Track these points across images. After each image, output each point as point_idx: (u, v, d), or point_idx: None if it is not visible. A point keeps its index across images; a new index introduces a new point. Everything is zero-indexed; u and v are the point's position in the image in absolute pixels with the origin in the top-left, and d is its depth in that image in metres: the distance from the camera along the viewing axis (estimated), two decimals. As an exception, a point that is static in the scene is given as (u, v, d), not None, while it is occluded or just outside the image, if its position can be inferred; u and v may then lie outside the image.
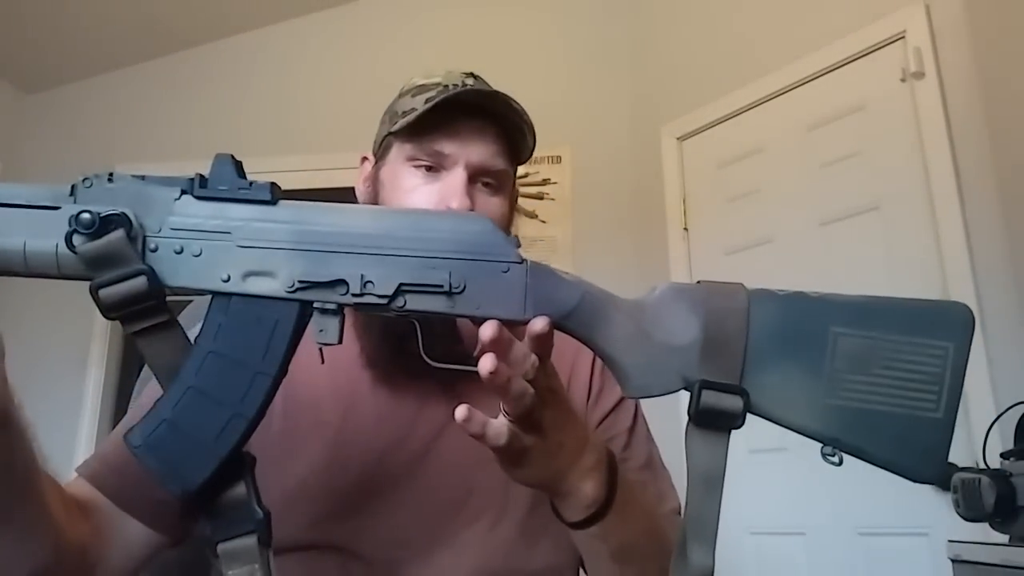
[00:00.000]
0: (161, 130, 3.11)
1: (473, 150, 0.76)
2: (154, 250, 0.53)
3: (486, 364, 0.50)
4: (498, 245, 0.55)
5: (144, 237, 0.53)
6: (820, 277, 2.12)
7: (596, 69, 2.91)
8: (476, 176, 0.76)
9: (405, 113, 0.75)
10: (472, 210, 0.73)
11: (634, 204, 2.72)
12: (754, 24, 2.44)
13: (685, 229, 2.53)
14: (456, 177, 0.74)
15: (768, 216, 2.29)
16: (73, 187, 0.53)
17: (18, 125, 3.17)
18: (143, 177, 0.54)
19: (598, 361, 0.85)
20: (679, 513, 0.81)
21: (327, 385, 0.77)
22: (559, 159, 2.80)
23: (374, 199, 0.79)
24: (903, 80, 2.00)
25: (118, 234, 0.51)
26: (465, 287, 0.53)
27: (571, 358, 0.85)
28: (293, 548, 0.71)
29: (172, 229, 0.53)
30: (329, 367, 0.74)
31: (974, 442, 1.66)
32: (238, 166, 0.55)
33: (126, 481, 0.70)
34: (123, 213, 0.51)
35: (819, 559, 2.00)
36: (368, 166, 0.83)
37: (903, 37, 2.02)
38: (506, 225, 0.80)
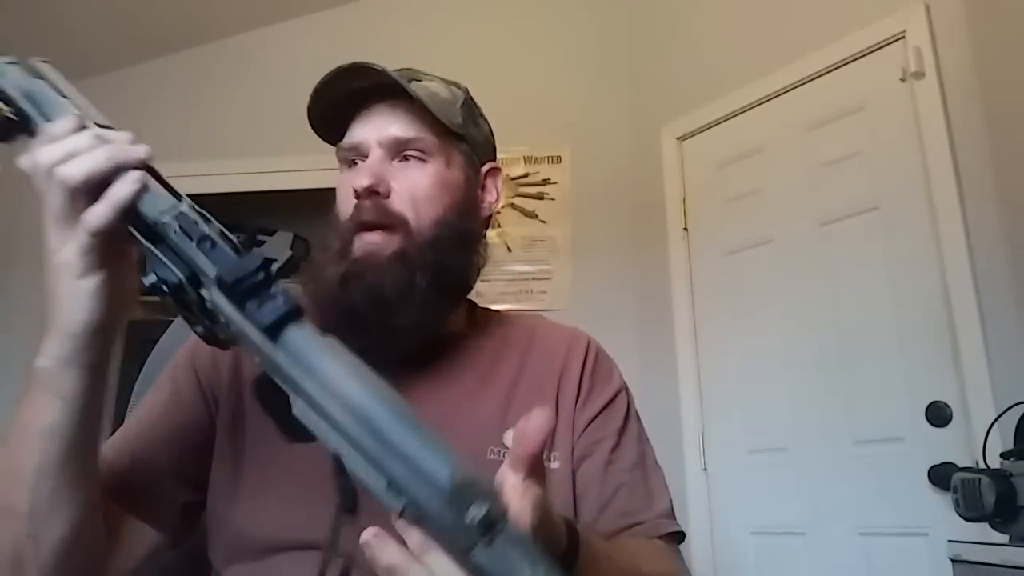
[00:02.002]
0: (161, 130, 3.10)
1: (381, 127, 0.78)
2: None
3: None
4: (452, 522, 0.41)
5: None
6: (820, 277, 2.13)
7: (596, 69, 2.91)
8: (396, 151, 0.78)
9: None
10: (377, 185, 0.75)
11: (634, 204, 2.72)
12: (754, 24, 2.44)
13: (685, 229, 2.53)
14: (370, 158, 0.77)
15: (768, 216, 2.29)
16: None
17: (18, 125, 3.16)
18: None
19: (589, 361, 0.85)
20: (671, 515, 0.80)
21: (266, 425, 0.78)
22: (559, 159, 2.80)
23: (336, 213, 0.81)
24: (903, 80, 2.00)
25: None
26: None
27: (563, 356, 0.84)
28: (290, 548, 0.71)
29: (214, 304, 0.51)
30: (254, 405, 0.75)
31: (974, 442, 1.66)
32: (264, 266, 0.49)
33: (128, 481, 0.70)
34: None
35: (819, 559, 2.00)
36: None
37: (903, 37, 2.02)
38: (451, 195, 0.80)
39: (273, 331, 0.46)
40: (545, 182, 2.79)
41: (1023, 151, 1.72)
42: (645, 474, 0.81)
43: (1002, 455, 1.31)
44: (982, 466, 1.34)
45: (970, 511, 1.24)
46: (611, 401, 0.83)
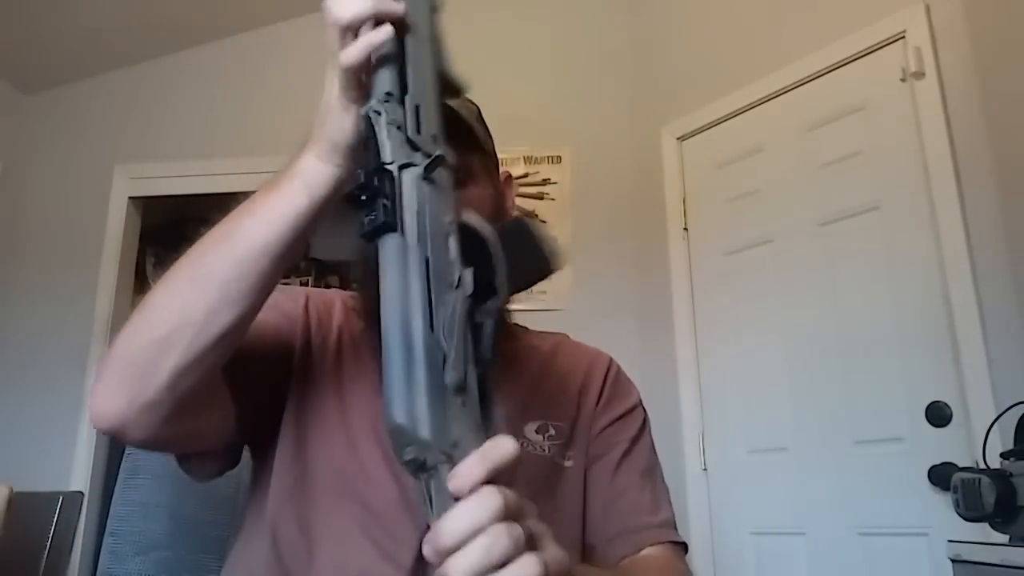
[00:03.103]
0: (161, 130, 3.11)
1: None
2: None
3: None
4: None
5: None
6: (820, 277, 2.13)
7: (596, 69, 2.91)
8: None
9: None
10: None
11: (634, 204, 2.72)
12: (754, 24, 2.44)
13: (685, 229, 2.53)
14: None
15: (768, 216, 2.29)
16: None
17: (18, 125, 3.17)
18: None
19: (611, 374, 0.90)
20: (673, 526, 0.83)
21: (371, 376, 0.79)
22: (559, 159, 2.80)
23: None
24: (903, 80, 2.01)
25: None
26: None
27: (586, 366, 0.89)
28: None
29: None
30: (360, 360, 0.80)
31: (974, 442, 1.66)
32: None
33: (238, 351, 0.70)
34: None
35: (819, 559, 2.00)
36: None
37: (903, 37, 2.02)
38: (493, 207, 0.83)
39: (367, 239, 0.51)
40: (545, 182, 2.79)
41: (1023, 151, 1.72)
42: (653, 484, 0.85)
43: (1002, 455, 1.31)
44: (982, 466, 1.34)
45: (970, 511, 1.24)
46: (629, 411, 0.88)
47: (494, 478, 0.44)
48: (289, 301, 0.82)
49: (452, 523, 0.42)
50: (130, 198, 3.09)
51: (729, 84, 2.45)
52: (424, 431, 0.45)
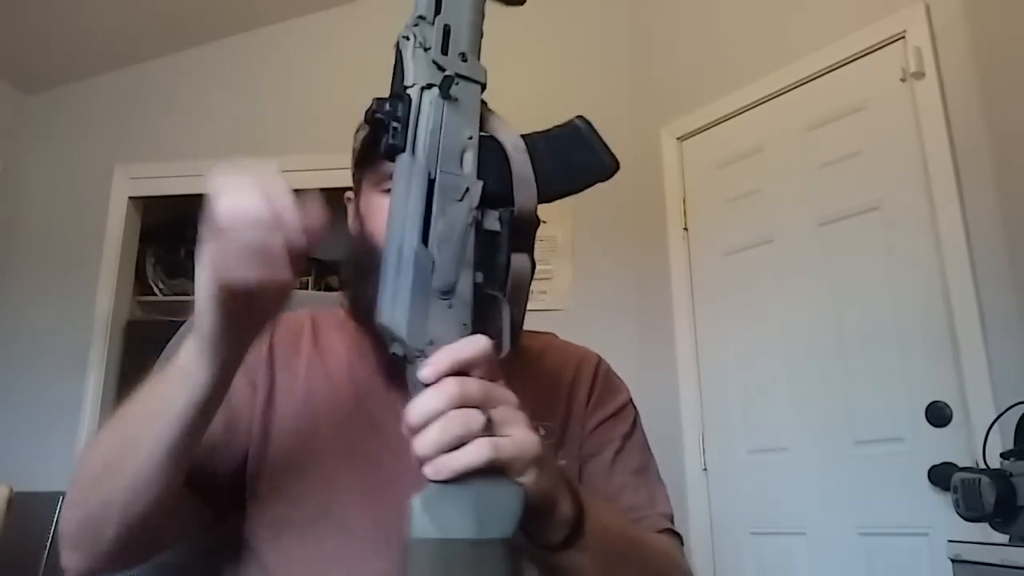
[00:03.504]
0: (161, 130, 3.11)
1: None
2: None
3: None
4: None
5: None
6: (820, 277, 2.13)
7: (596, 69, 2.91)
8: None
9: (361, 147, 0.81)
10: None
11: (634, 204, 2.72)
12: (754, 24, 2.44)
13: (685, 229, 2.53)
14: None
15: (768, 216, 2.29)
16: None
17: (18, 125, 3.17)
18: None
19: (600, 373, 0.89)
20: (670, 519, 0.82)
21: (346, 400, 0.79)
22: (559, 159, 2.79)
23: (361, 233, 0.80)
24: (903, 80, 2.01)
25: None
26: None
27: (575, 366, 0.88)
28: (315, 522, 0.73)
29: None
30: (334, 383, 0.79)
31: (974, 442, 1.66)
32: None
33: (197, 472, 0.70)
34: None
35: (819, 559, 2.00)
36: (351, 205, 0.85)
37: (903, 37, 2.02)
38: None
39: (386, 155, 0.56)
40: (545, 182, 2.79)
41: (1023, 151, 1.72)
42: (648, 480, 0.85)
43: (1002, 455, 1.31)
44: (982, 466, 1.34)
45: (970, 511, 1.24)
46: (620, 410, 0.87)
47: (463, 370, 0.50)
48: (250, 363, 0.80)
49: (416, 407, 0.49)
50: (130, 198, 3.09)
51: (729, 84, 2.45)
52: (401, 329, 0.52)
